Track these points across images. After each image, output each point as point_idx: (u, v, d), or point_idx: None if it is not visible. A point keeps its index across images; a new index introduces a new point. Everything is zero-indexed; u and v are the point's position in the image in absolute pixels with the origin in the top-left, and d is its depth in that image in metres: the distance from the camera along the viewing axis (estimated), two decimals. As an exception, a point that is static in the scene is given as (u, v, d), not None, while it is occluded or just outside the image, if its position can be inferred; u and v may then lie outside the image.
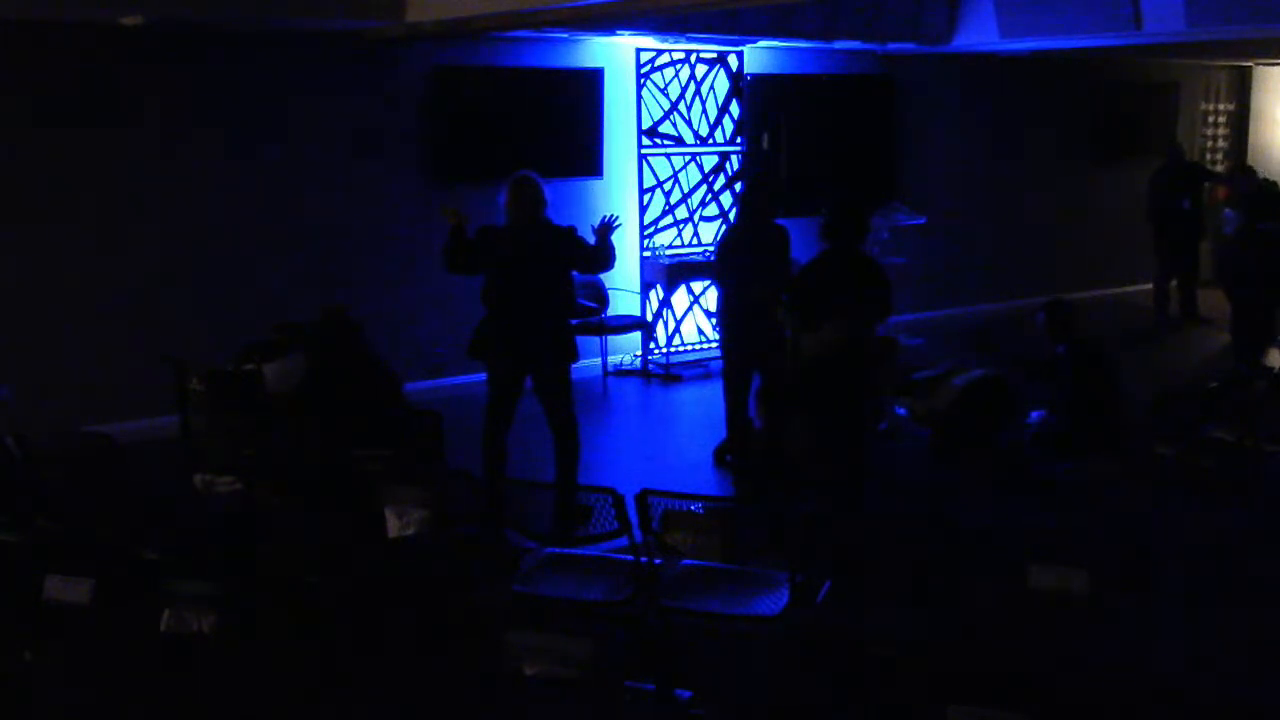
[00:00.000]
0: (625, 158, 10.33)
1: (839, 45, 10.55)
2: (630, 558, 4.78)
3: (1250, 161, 14.50)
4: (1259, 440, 6.59)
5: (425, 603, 4.66)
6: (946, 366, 8.03)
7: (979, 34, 10.19)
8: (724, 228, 10.76)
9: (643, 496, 4.68)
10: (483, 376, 6.75)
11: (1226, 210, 12.40)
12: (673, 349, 10.53)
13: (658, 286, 10.38)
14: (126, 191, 8.31)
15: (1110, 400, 7.19)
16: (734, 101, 10.76)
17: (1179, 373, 10.06)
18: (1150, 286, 12.31)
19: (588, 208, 9.75)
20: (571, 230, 6.58)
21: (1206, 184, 12.57)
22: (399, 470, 5.32)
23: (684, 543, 4.63)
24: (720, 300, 7.67)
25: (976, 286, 12.83)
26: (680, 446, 8.50)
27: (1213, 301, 11.59)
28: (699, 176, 10.70)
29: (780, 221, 7.63)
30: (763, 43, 10.46)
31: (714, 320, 10.74)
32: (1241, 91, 15.23)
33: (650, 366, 10.34)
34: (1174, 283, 12.19)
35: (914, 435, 8.03)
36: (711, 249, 10.58)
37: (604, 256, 6.58)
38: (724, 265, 7.54)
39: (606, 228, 6.59)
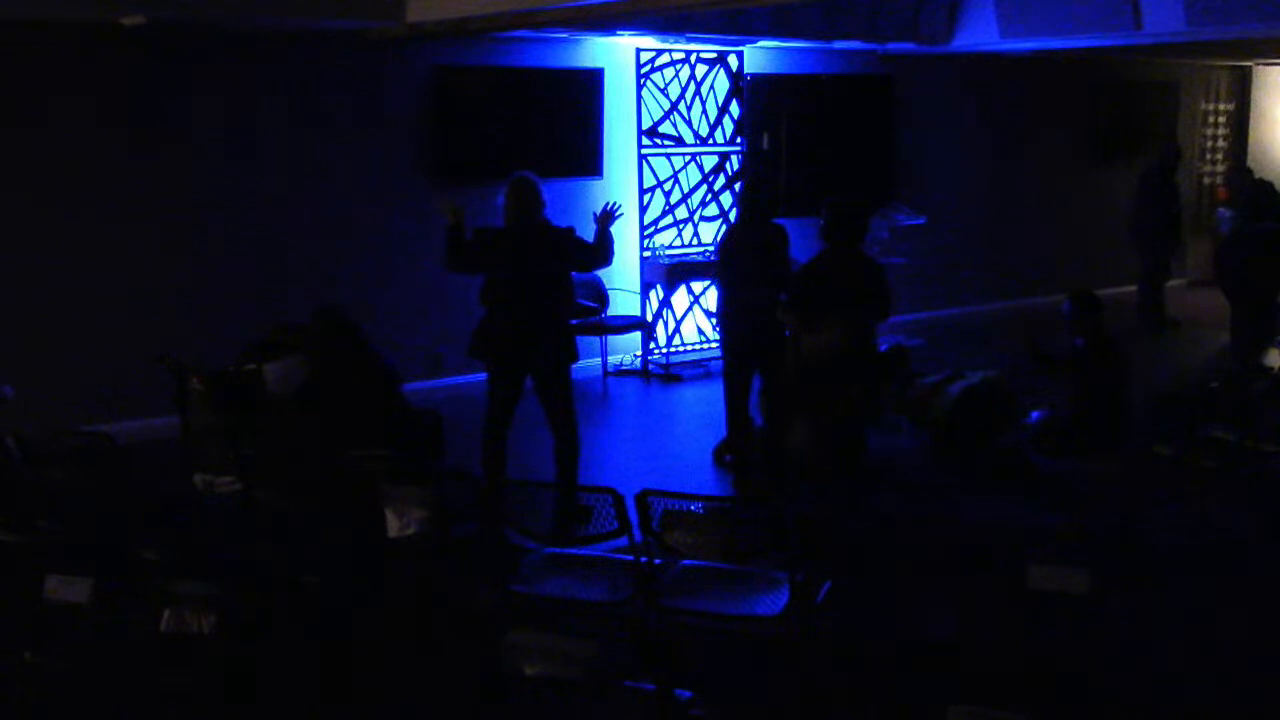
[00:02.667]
0: (625, 158, 10.33)
1: (839, 45, 10.54)
2: (630, 558, 4.78)
3: (1250, 161, 14.50)
4: (1259, 440, 6.59)
5: (425, 603, 4.67)
6: (948, 372, 8.03)
7: (979, 34, 10.19)
8: (724, 228, 10.76)
9: (643, 496, 4.68)
10: (483, 376, 6.75)
11: (1221, 210, 12.39)
12: (673, 349, 10.53)
13: (658, 286, 10.38)
14: (126, 191, 8.30)
15: (1119, 399, 7.19)
16: (734, 101, 10.76)
17: (1179, 373, 10.06)
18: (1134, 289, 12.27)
19: (588, 208, 9.72)
20: (570, 231, 6.58)
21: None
22: (399, 470, 5.31)
23: (684, 543, 4.64)
24: (720, 300, 7.67)
25: (976, 286, 12.83)
26: (680, 446, 8.49)
27: (1213, 301, 11.59)
28: (699, 176, 10.70)
29: (780, 221, 7.63)
30: (763, 43, 10.46)
31: (714, 320, 10.73)
32: (1241, 91, 15.23)
33: (650, 366, 10.34)
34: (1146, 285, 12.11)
35: (914, 434, 8.03)
36: (712, 249, 10.59)
37: (603, 251, 6.58)
38: (723, 265, 7.54)
39: (607, 216, 6.60)
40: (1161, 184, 11.81)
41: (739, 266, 7.37)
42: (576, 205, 9.65)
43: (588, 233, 6.68)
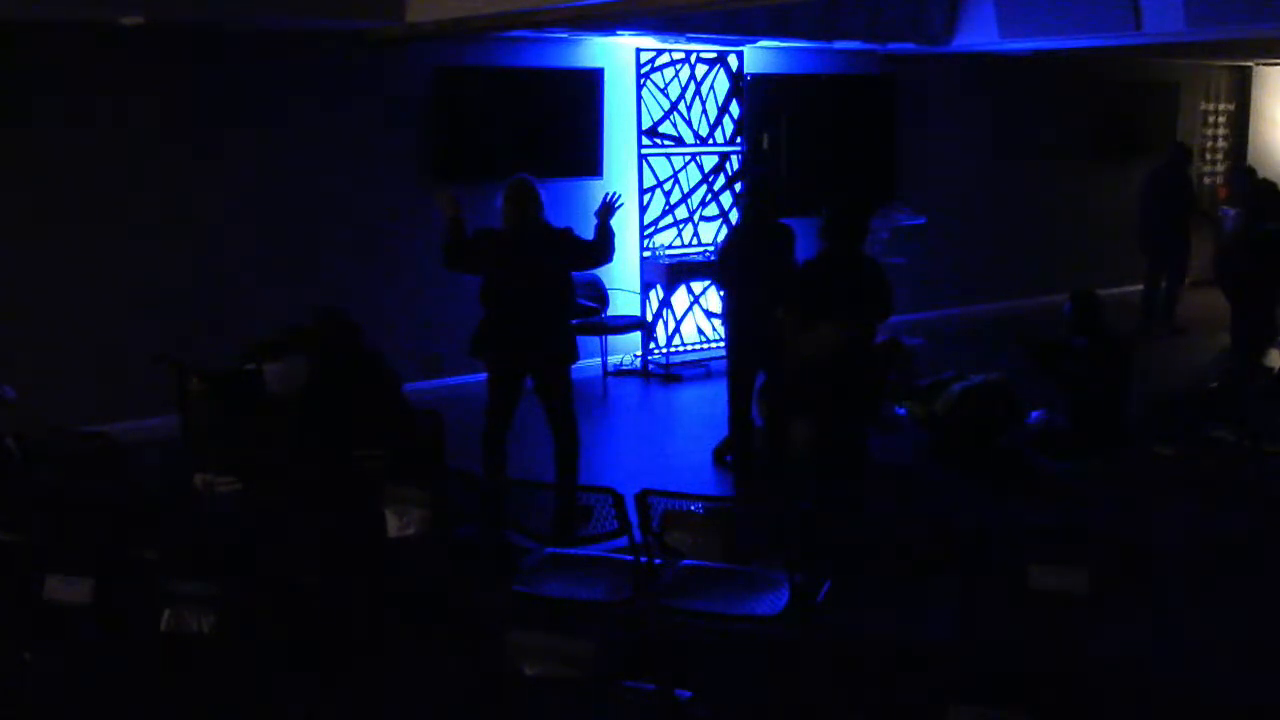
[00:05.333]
0: (625, 158, 10.33)
1: (839, 45, 10.54)
2: (630, 558, 4.78)
3: (1250, 161, 14.49)
4: (1259, 440, 6.59)
5: (425, 603, 4.67)
6: (949, 373, 8.03)
7: (979, 34, 10.19)
8: (726, 227, 10.76)
9: (643, 496, 4.68)
10: (483, 376, 6.75)
11: (1225, 209, 12.36)
12: (673, 349, 10.53)
13: (658, 286, 10.38)
14: (126, 191, 8.30)
15: (1119, 399, 7.18)
16: (734, 101, 10.76)
17: (1179, 373, 10.05)
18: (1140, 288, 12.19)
19: (588, 208, 9.71)
20: (568, 231, 6.58)
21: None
22: (399, 470, 5.31)
23: (684, 543, 4.63)
24: (725, 300, 7.66)
25: (976, 286, 12.82)
26: (680, 446, 8.49)
27: (1213, 301, 11.57)
28: (699, 176, 10.70)
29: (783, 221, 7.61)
30: (763, 43, 10.46)
31: (718, 320, 10.73)
32: (1241, 91, 15.23)
33: (650, 366, 10.34)
34: (1162, 286, 12.00)
35: (914, 434, 8.03)
36: (711, 249, 10.59)
37: (604, 247, 6.57)
38: (728, 265, 7.52)
39: (607, 208, 6.60)
40: (1173, 184, 11.74)
41: (743, 266, 7.36)
42: (576, 205, 9.64)
43: (588, 232, 6.67)
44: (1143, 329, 11.62)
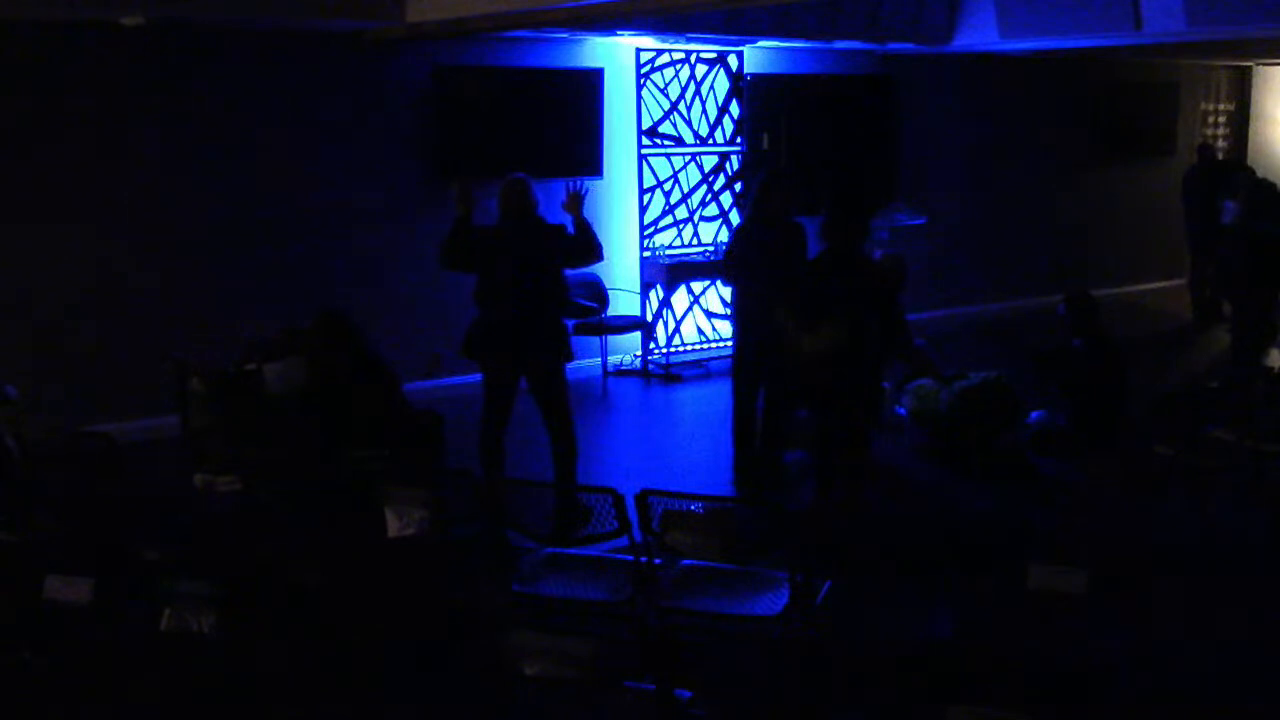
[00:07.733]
0: (625, 158, 10.33)
1: (839, 45, 10.55)
2: (630, 558, 4.78)
3: (1250, 161, 14.50)
4: (1259, 440, 6.59)
5: (425, 603, 4.67)
6: (949, 372, 8.03)
7: (979, 34, 10.19)
8: (727, 228, 10.76)
9: (643, 496, 4.68)
10: (481, 376, 6.74)
11: (1227, 202, 12.37)
12: (673, 349, 10.53)
13: (658, 286, 10.38)
14: (127, 191, 8.30)
15: (1117, 399, 7.19)
16: (734, 101, 10.76)
17: (1179, 373, 10.06)
18: (1170, 284, 12.25)
19: (588, 208, 9.70)
20: (562, 228, 6.57)
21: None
22: (399, 470, 5.31)
23: (684, 543, 4.64)
24: (734, 298, 7.65)
25: (976, 286, 12.83)
26: (680, 446, 8.49)
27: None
28: (699, 176, 10.70)
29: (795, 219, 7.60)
30: (763, 43, 10.46)
31: (718, 319, 10.72)
32: (1241, 91, 15.23)
33: (650, 366, 10.34)
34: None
35: (914, 434, 8.03)
36: (711, 249, 10.59)
37: (588, 244, 6.54)
38: (736, 263, 7.50)
39: (574, 198, 6.57)
40: (1206, 184, 11.80)
41: (752, 262, 7.34)
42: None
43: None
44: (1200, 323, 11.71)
